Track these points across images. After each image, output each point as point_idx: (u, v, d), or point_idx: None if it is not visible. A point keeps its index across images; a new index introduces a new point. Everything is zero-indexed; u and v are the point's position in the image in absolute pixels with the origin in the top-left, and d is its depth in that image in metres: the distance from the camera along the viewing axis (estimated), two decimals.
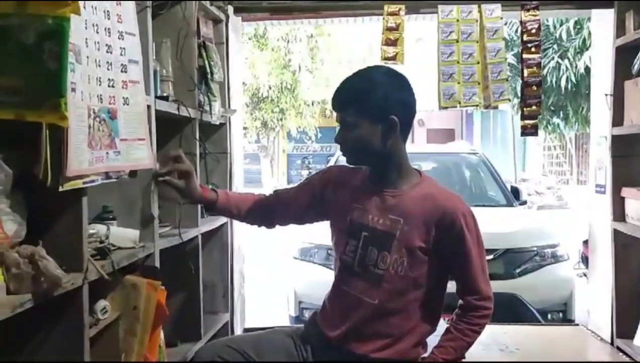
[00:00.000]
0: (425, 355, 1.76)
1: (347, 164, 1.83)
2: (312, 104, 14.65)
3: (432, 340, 1.75)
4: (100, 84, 1.49)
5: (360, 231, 1.74)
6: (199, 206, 2.38)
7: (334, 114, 1.77)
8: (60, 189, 1.34)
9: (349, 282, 1.76)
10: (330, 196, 1.84)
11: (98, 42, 1.48)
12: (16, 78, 1.11)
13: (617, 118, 2.78)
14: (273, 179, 16.31)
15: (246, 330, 2.73)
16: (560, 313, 3.65)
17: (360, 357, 1.71)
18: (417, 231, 1.69)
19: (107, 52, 1.53)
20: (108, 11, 1.55)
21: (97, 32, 1.48)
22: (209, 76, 2.45)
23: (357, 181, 1.82)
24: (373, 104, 1.66)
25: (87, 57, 1.42)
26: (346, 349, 1.73)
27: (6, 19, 1.10)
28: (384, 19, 2.97)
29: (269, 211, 1.92)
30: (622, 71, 2.76)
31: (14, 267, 1.25)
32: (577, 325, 3.03)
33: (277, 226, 1.98)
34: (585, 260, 4.23)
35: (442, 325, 1.79)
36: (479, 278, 1.72)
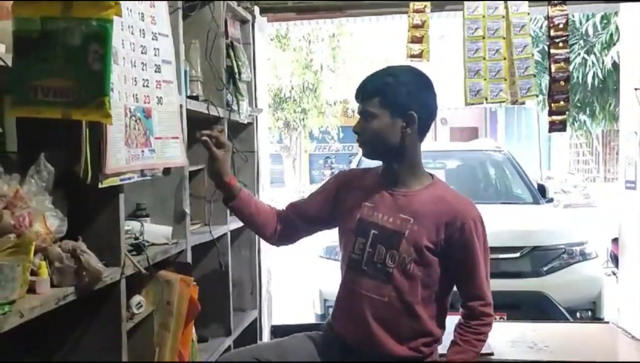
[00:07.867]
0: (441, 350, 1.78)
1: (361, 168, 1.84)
2: (334, 103, 14.64)
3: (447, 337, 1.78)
4: (135, 84, 1.53)
5: (369, 229, 1.74)
6: None
7: (356, 114, 1.78)
8: (100, 186, 1.38)
9: (357, 281, 1.76)
10: (342, 198, 1.85)
11: (133, 43, 1.53)
12: (64, 79, 1.16)
13: None
14: (295, 179, 16.34)
15: (273, 328, 2.75)
16: (589, 312, 3.59)
17: (377, 357, 1.72)
18: (427, 231, 1.69)
19: (142, 53, 1.57)
20: (142, 13, 1.59)
21: (133, 34, 1.53)
22: (237, 76, 2.49)
23: (368, 181, 1.83)
24: (394, 97, 1.69)
25: (124, 58, 1.47)
26: (363, 350, 1.74)
27: (54, 22, 1.15)
28: (409, 16, 2.97)
29: (285, 222, 1.90)
30: None
31: (57, 261, 1.30)
32: (608, 322, 2.98)
33: (287, 243, 1.95)
34: (614, 258, 4.15)
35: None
36: (484, 284, 1.73)
